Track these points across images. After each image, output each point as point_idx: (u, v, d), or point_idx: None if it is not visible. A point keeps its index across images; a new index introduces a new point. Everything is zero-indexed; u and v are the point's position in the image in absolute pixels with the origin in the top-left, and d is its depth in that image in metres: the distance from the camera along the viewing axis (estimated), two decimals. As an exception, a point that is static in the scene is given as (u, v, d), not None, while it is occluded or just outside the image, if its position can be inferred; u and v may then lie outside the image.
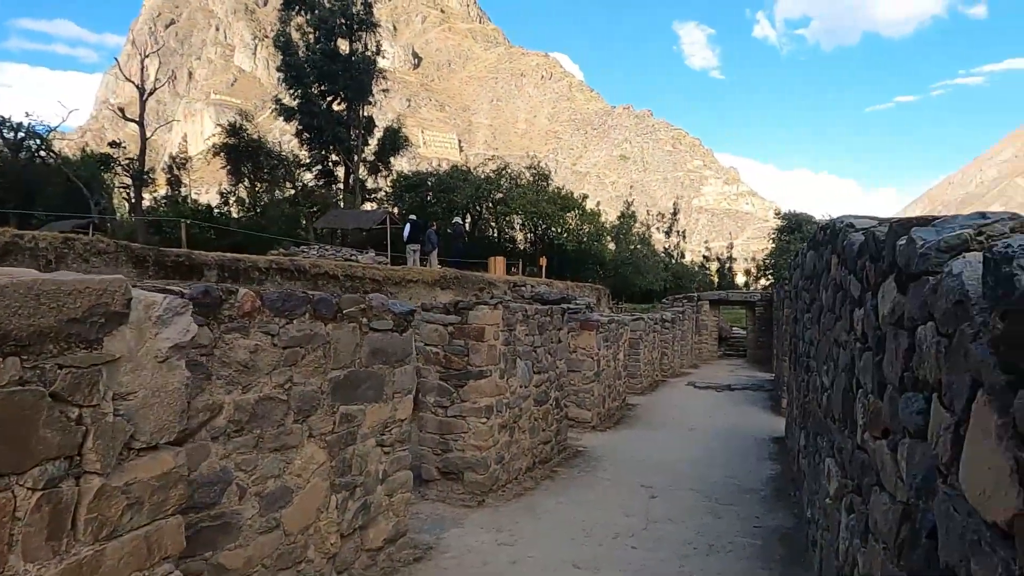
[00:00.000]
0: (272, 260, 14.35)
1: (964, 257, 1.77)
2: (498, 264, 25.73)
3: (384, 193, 39.49)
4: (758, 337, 26.72)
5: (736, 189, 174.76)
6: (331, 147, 37.18)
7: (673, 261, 50.43)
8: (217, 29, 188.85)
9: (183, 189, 36.51)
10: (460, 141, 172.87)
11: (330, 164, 38.41)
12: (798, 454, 6.95)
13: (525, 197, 35.42)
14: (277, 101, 37.98)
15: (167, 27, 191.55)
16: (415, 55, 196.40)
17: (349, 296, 4.76)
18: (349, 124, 36.94)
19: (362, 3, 36.89)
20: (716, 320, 29.80)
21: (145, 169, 33.42)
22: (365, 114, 37.88)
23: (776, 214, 49.05)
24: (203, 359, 3.46)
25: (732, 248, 61.95)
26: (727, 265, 56.75)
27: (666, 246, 54.41)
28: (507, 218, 36.72)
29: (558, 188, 40.20)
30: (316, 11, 35.95)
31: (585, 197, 42.01)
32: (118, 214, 35.85)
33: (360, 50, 36.78)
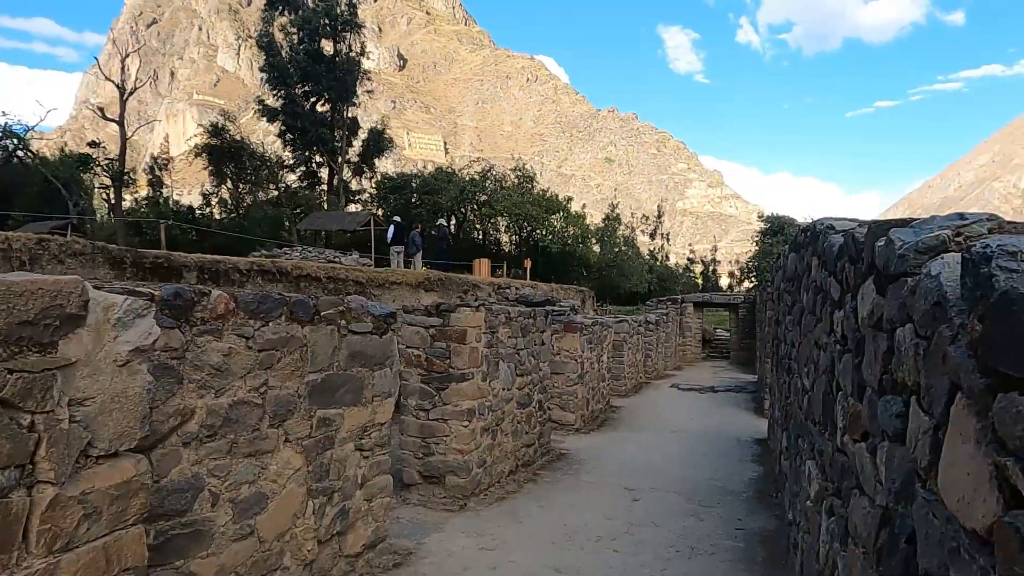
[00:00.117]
0: (253, 262, 14.13)
1: (943, 258, 1.74)
2: (483, 266, 25.64)
3: (368, 195, 39.30)
4: (741, 339, 26.93)
5: (720, 192, 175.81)
6: (315, 148, 36.95)
7: (658, 263, 50.75)
8: (200, 29, 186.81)
9: (165, 190, 35.95)
10: (445, 143, 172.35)
11: (314, 165, 38.17)
12: (780, 456, 6.95)
13: (510, 199, 35.40)
14: (260, 102, 37.70)
15: (149, 26, 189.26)
16: (400, 57, 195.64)
17: (327, 298, 4.68)
18: (333, 125, 36.74)
19: (346, 4, 36.73)
20: (700, 322, 29.97)
21: (126, 170, 32.90)
22: (349, 115, 37.70)
23: (760, 217, 49.57)
24: (174, 362, 3.38)
25: (716, 251, 62.32)
26: (711, 267, 57.14)
27: (651, 248, 54.77)
28: (492, 220, 36.65)
29: (543, 190, 40.21)
30: (300, 11, 35.78)
31: (570, 199, 42.04)
32: (98, 215, 35.20)
33: (344, 51, 36.63)
